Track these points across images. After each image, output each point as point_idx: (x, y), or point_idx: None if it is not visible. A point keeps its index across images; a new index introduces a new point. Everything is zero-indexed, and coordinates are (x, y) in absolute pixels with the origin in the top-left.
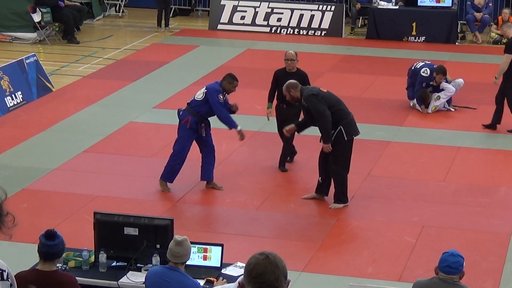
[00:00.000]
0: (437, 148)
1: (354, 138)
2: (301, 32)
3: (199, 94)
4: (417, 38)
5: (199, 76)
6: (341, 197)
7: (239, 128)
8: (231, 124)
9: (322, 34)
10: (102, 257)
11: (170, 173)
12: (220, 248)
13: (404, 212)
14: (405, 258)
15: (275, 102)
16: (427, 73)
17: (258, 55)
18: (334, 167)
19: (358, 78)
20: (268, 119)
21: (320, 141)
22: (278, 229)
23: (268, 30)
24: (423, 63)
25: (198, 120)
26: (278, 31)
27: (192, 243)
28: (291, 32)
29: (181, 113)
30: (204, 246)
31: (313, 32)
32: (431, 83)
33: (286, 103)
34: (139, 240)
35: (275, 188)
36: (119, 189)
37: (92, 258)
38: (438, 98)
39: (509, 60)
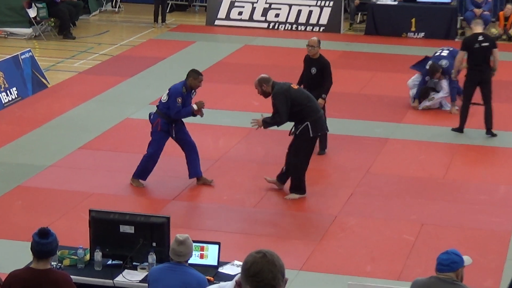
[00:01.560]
0: (436, 145)
1: (326, 134)
2: (299, 28)
3: (164, 96)
4: (416, 34)
5: None
6: (297, 188)
7: (195, 107)
8: (187, 113)
9: (320, 30)
10: (98, 255)
11: (143, 172)
12: (217, 246)
13: (403, 209)
14: (404, 256)
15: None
16: (428, 67)
17: (255, 51)
18: (294, 159)
19: (356, 74)
20: None
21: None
22: (275, 227)
23: (266, 26)
24: (438, 55)
25: (168, 122)
26: (276, 27)
27: None
28: (289, 28)
29: (151, 116)
30: (200, 245)
31: (311, 28)
32: (426, 78)
33: (309, 88)
34: (135, 238)
35: (273, 186)
36: (115, 187)
37: (88, 256)
38: (432, 98)
39: (461, 57)
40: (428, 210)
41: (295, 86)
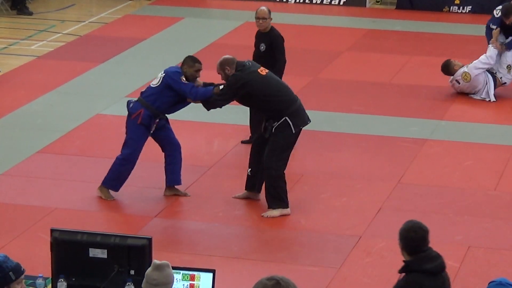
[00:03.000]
0: (487, 148)
1: (303, 128)
2: (314, 1)
3: (155, 81)
4: (461, 8)
5: (183, 56)
6: (276, 201)
7: (219, 86)
8: (207, 93)
9: (341, 3)
10: (62, 286)
11: (116, 180)
12: (211, 274)
13: (444, 229)
14: None
15: None
16: (497, 13)
17: None
18: (269, 161)
19: (386, 59)
20: None
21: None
22: (285, 250)
23: None
24: None
25: (152, 115)
26: (284, 0)
27: (175, 268)
28: (301, 1)
29: (131, 105)
30: (190, 273)
31: (329, 0)
32: (493, 26)
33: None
34: (109, 265)
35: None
36: (83, 200)
37: (49, 287)
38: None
39: None
40: (477, 230)
41: (263, 72)
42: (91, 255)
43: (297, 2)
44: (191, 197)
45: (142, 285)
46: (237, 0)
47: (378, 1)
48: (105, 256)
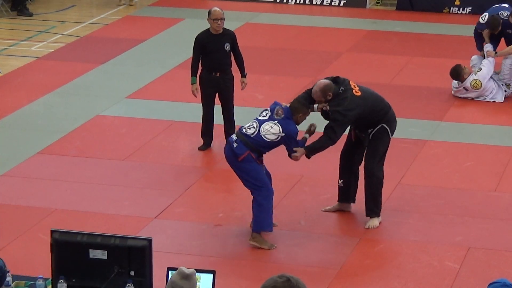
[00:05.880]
0: (488, 149)
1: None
2: (314, 2)
3: (272, 134)
4: (461, 9)
5: (184, 57)
6: (375, 209)
7: (307, 136)
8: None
9: (341, 4)
10: (62, 287)
11: (270, 218)
12: (211, 276)
13: (444, 230)
14: None
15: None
16: (483, 20)
17: (259, 31)
18: (369, 167)
19: (386, 60)
20: (196, 96)
21: (305, 151)
22: (284, 251)
23: (273, 0)
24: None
25: (259, 155)
26: (284, 1)
27: (175, 269)
28: (302, 2)
29: (235, 145)
30: None
31: (329, 1)
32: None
33: (220, 71)
34: (109, 266)
35: (281, 200)
36: (83, 201)
37: None
38: (480, 69)
39: None
40: (477, 231)
41: (357, 91)
42: (91, 256)
43: (297, 3)
44: (191, 198)
45: None
46: (238, 1)
47: (378, 2)
48: (105, 257)
